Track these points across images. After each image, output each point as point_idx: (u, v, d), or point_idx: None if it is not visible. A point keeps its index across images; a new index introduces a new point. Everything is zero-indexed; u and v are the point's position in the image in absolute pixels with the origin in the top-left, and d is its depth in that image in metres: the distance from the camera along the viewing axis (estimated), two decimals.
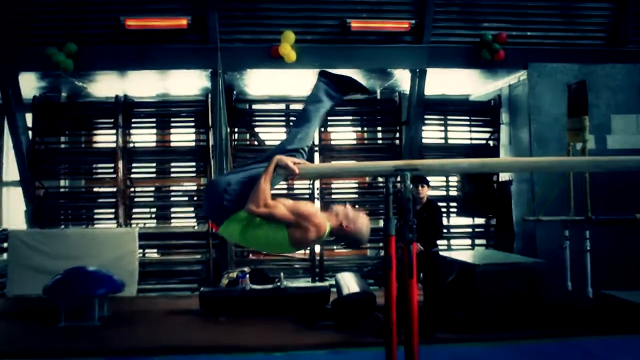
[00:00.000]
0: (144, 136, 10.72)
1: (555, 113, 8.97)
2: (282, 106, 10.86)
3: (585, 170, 7.11)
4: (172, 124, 10.62)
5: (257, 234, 3.52)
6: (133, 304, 8.65)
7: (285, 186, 10.51)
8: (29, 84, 9.68)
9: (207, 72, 9.27)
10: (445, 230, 10.17)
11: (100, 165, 10.43)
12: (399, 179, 3.68)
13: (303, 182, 10.24)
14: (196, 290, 9.17)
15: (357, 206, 10.67)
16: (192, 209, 10.44)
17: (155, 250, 10.63)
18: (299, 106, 10.77)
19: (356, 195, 10.79)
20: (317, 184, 10.25)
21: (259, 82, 10.06)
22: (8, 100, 9.28)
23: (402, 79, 9.92)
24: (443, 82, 10.18)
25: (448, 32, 9.42)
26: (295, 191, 10.52)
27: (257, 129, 10.67)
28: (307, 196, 10.24)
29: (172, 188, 10.79)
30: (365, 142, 11.33)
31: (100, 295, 7.57)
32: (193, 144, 10.56)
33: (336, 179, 10.58)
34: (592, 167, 5.10)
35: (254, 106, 10.81)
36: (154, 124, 10.59)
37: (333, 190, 10.58)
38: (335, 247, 10.72)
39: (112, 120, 10.16)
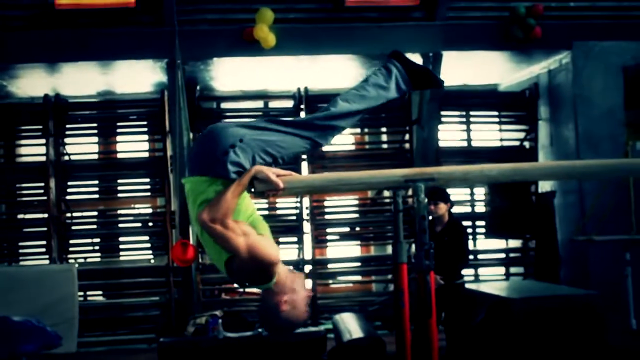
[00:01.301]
0: (82, 146, 10.65)
1: (609, 104, 9.01)
2: (259, 104, 10.87)
3: None
4: (119, 130, 10.61)
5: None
6: None
7: (266, 205, 10.52)
8: None
9: (163, 62, 9.27)
10: (471, 257, 10.17)
11: (26, 185, 10.39)
12: (410, 192, 3.68)
13: (288, 199, 10.24)
14: (154, 342, 9.12)
15: (357, 228, 10.69)
16: (146, 237, 10.40)
17: (100, 293, 10.59)
18: (279, 103, 10.80)
19: (356, 215, 10.80)
20: (306, 201, 10.25)
21: (229, 74, 10.08)
22: None
23: None
24: (464, 68, 10.23)
25: (469, 4, 9.49)
26: (278, 211, 10.51)
27: None
28: (294, 217, 10.24)
29: (120, 212, 10.76)
30: (367, 147, 11.35)
31: (29, 353, 7.50)
32: (146, 154, 10.56)
33: (331, 194, 10.57)
34: None
35: (224, 104, 10.81)
36: (95, 131, 10.57)
37: (326, 210, 10.58)
38: (331, 281, 10.72)
39: (40, 126, 10.12)
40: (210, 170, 3.54)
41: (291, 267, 3.73)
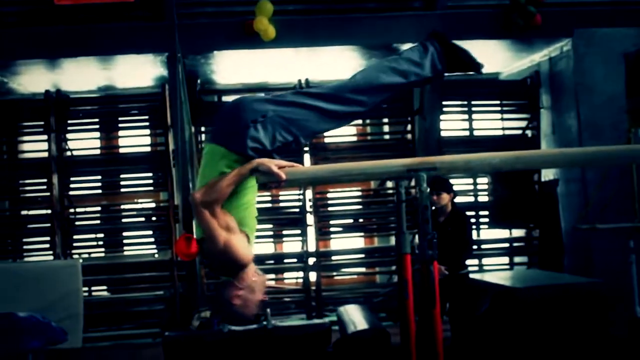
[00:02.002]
0: (84, 142, 10.68)
1: (611, 92, 8.97)
2: (259, 95, 10.83)
3: None
4: (121, 125, 10.58)
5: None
6: (79, 357, 8.58)
7: (269, 198, 10.52)
8: None
9: (163, 56, 9.25)
10: (475, 247, 10.17)
11: (29, 182, 10.37)
12: (413, 183, 3.67)
13: (291, 191, 10.23)
14: (159, 337, 9.12)
15: (360, 220, 10.68)
16: (150, 232, 10.40)
17: (104, 288, 10.59)
18: None
19: (359, 206, 10.79)
20: (309, 193, 10.24)
21: (229, 67, 10.06)
22: None
23: None
24: None
25: None
26: (282, 204, 10.50)
27: None
28: (298, 209, 10.23)
29: (123, 207, 10.75)
30: (369, 138, 11.33)
31: (35, 349, 7.51)
32: (148, 149, 10.54)
33: (333, 185, 10.56)
34: None
35: (225, 97, 10.78)
36: (97, 126, 10.55)
37: (329, 202, 10.57)
38: (335, 273, 10.72)
39: (42, 122, 10.12)
40: (229, 142, 3.56)
41: (257, 269, 3.78)
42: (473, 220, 10.38)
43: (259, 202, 10.92)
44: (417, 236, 3.90)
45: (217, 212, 3.53)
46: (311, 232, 10.23)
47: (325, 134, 10.79)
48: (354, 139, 11.11)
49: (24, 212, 10.65)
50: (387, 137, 11.18)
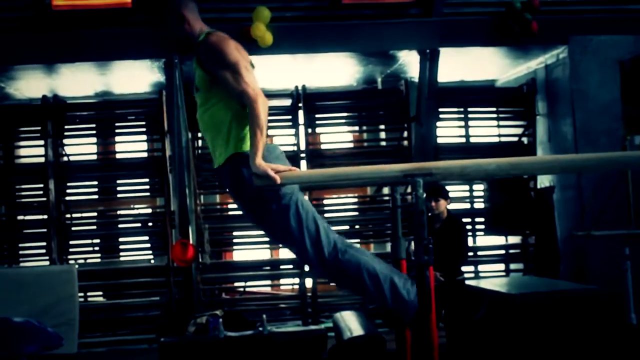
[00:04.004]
0: (81, 147, 10.67)
1: (606, 98, 9.00)
2: None
3: None
4: (117, 131, 10.60)
5: None
6: None
7: None
8: None
9: (160, 62, 9.27)
10: (470, 254, 10.17)
11: (25, 187, 10.38)
12: (409, 189, 3.68)
13: None
14: (155, 342, 9.11)
15: (357, 226, 10.68)
16: (146, 238, 10.39)
17: (100, 293, 10.57)
18: (278, 102, 10.79)
19: (356, 213, 10.79)
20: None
21: None
22: None
23: (409, 63, 9.94)
24: (461, 65, 10.22)
25: (465, 0, 9.47)
26: None
27: None
28: None
29: (119, 212, 10.75)
30: (365, 144, 11.34)
31: (30, 354, 7.49)
32: (145, 154, 10.55)
33: (329, 192, 10.56)
34: None
35: None
36: (94, 132, 10.57)
37: (326, 208, 10.57)
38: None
39: (39, 128, 10.12)
40: None
41: None
42: (469, 227, 10.40)
43: None
44: (412, 243, 3.90)
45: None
46: None
47: (322, 139, 10.85)
48: (350, 145, 11.12)
49: (20, 217, 10.66)
50: (383, 143, 11.17)
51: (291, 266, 10.39)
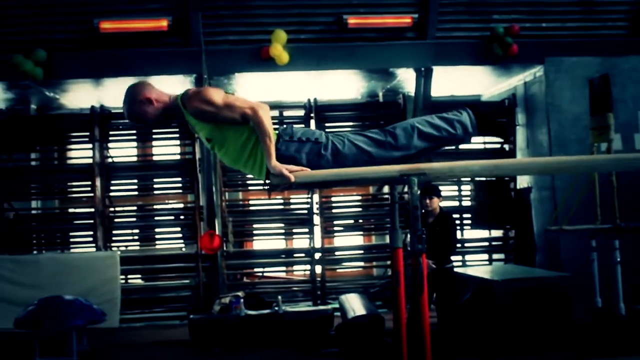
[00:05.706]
0: (123, 150, 10.73)
1: (577, 111, 8.97)
2: (274, 113, 10.84)
3: (611, 169, 7.06)
4: (154, 136, 10.61)
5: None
6: (115, 335, 8.60)
7: (282, 201, 10.52)
8: None
9: (192, 77, 9.28)
10: (459, 245, 10.14)
11: (75, 184, 10.41)
12: (406, 188, 3.65)
13: (300, 195, 10.23)
14: (185, 319, 9.12)
15: (360, 221, 10.66)
16: (178, 229, 10.40)
17: (138, 276, 10.60)
18: (293, 113, 10.79)
19: (359, 209, 10.78)
20: (316, 197, 10.23)
21: (248, 88, 10.06)
22: None
23: (407, 79, 9.92)
24: (451, 81, 10.18)
25: (455, 25, 9.42)
26: (292, 206, 10.50)
27: None
28: (306, 211, 10.23)
29: (155, 207, 10.77)
30: None
31: (78, 327, 7.51)
32: (178, 157, 10.55)
33: (337, 190, 10.55)
34: (618, 167, 5.05)
35: None
36: (134, 137, 10.59)
37: (334, 205, 10.56)
38: (337, 267, 10.70)
39: (87, 133, 10.14)
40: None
41: None
42: (458, 221, 10.35)
43: (271, 205, 10.92)
44: (409, 235, 3.88)
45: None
46: (317, 230, 10.22)
47: None
48: None
49: (71, 210, 10.73)
50: None
51: (303, 255, 10.39)
